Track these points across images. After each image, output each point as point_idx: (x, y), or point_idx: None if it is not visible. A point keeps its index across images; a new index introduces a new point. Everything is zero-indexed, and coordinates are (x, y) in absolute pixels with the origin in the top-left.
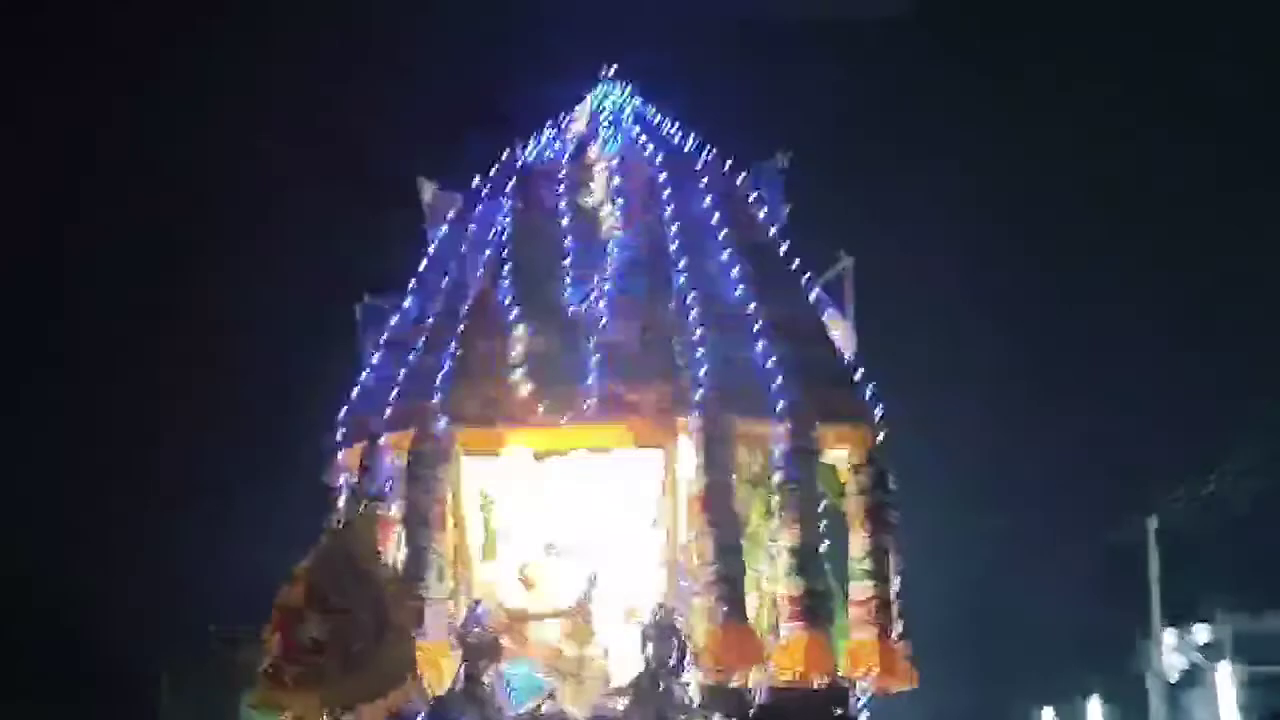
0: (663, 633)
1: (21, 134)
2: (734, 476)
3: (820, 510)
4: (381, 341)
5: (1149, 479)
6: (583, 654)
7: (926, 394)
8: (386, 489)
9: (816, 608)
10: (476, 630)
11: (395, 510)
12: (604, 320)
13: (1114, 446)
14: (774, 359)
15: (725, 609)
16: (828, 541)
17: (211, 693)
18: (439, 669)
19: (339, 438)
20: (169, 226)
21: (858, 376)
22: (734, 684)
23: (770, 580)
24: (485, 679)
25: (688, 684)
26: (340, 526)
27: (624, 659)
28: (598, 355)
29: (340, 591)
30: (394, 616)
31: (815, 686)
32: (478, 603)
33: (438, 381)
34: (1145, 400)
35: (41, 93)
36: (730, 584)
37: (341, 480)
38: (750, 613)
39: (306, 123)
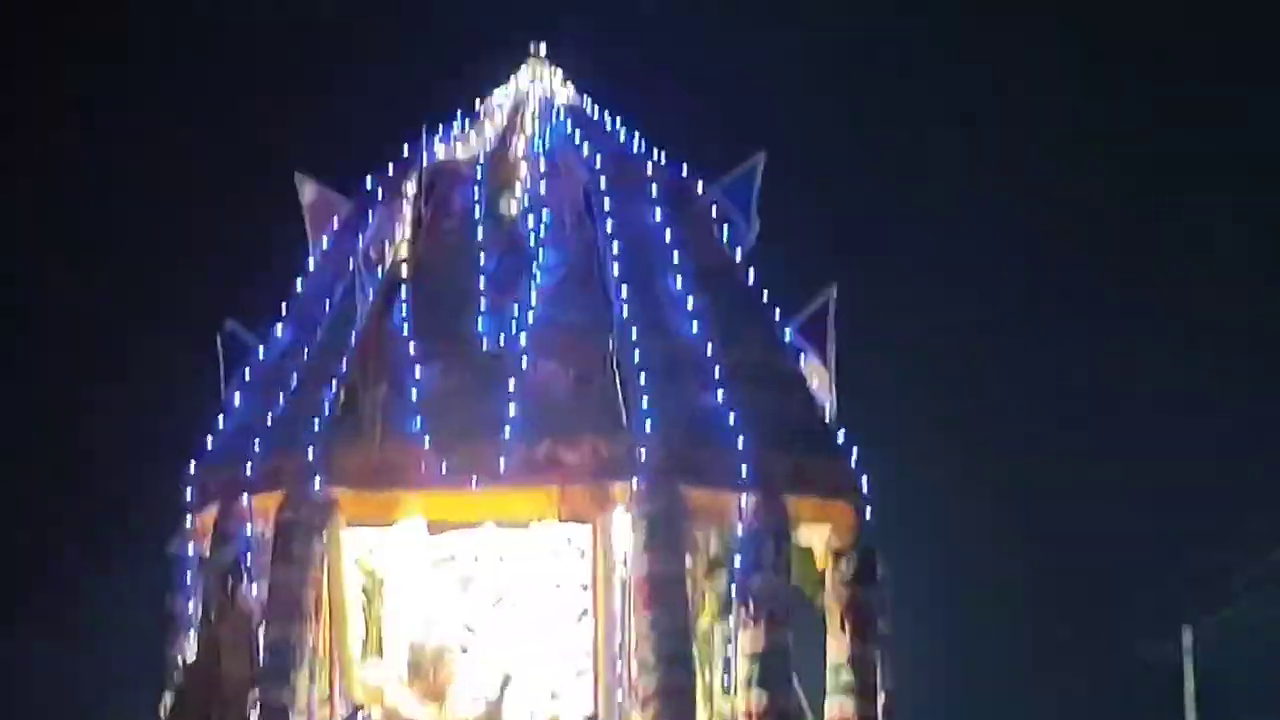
0: None
1: None
2: (684, 561)
3: (789, 607)
4: (246, 380)
5: (1185, 587)
6: None
7: (925, 461)
8: (245, 563)
9: None
10: None
11: (255, 593)
12: (526, 359)
13: (1147, 549)
14: (737, 412)
15: None
16: (797, 647)
17: None
18: None
19: (189, 497)
20: None
21: (840, 437)
22: None
23: (726, 694)
24: None
25: None
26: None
27: None
28: (518, 403)
29: None
30: None
31: None
32: (357, 711)
33: (314, 431)
34: (1184, 499)
35: None
36: (677, 698)
37: (190, 550)
38: None
39: (161, 108)
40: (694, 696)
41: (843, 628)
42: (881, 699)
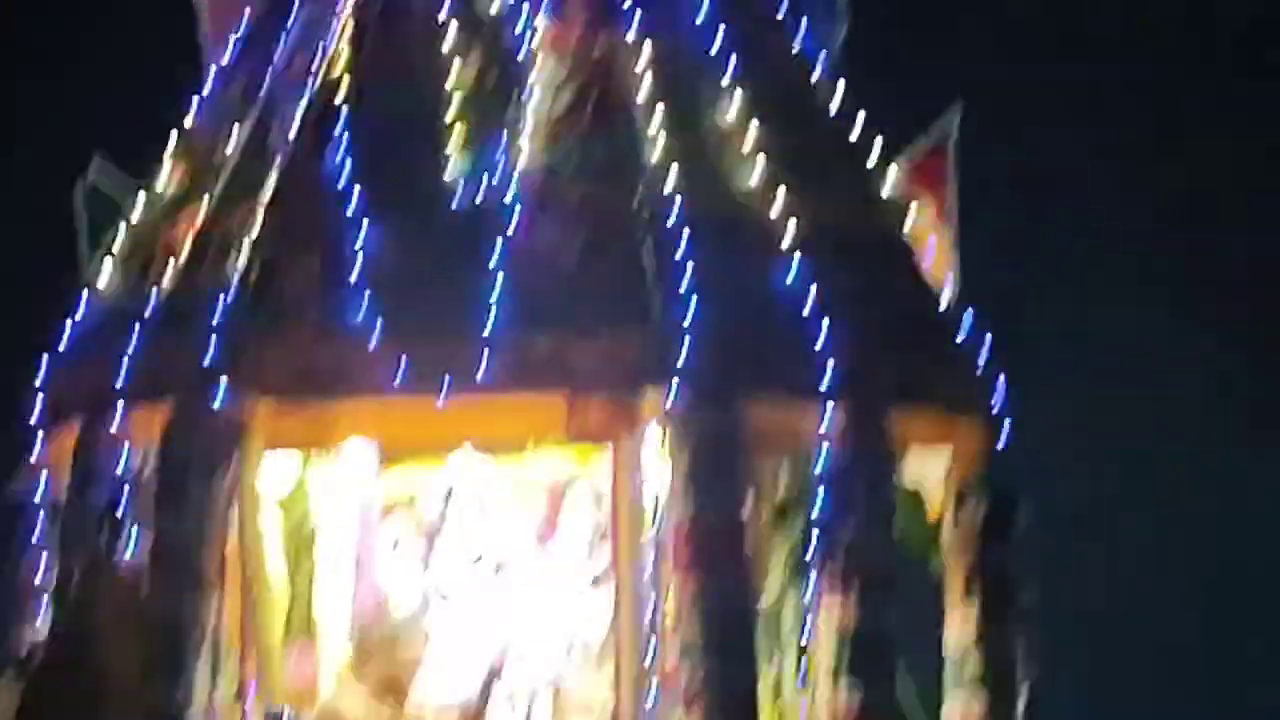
0: None
1: None
2: (743, 504)
3: (893, 569)
4: (118, 246)
5: None
6: None
7: (1087, 362)
8: (120, 507)
9: None
10: None
11: (134, 550)
12: (516, 217)
13: None
14: (817, 293)
15: None
16: (903, 625)
17: None
18: None
19: (36, 414)
20: None
21: (965, 328)
22: None
23: (801, 690)
24: None
25: None
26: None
27: None
28: (505, 280)
29: None
30: None
31: None
32: (279, 714)
33: (216, 319)
34: None
35: None
36: (731, 695)
37: (40, 489)
38: None
39: None
40: (755, 693)
41: (968, 598)
42: (1022, 696)
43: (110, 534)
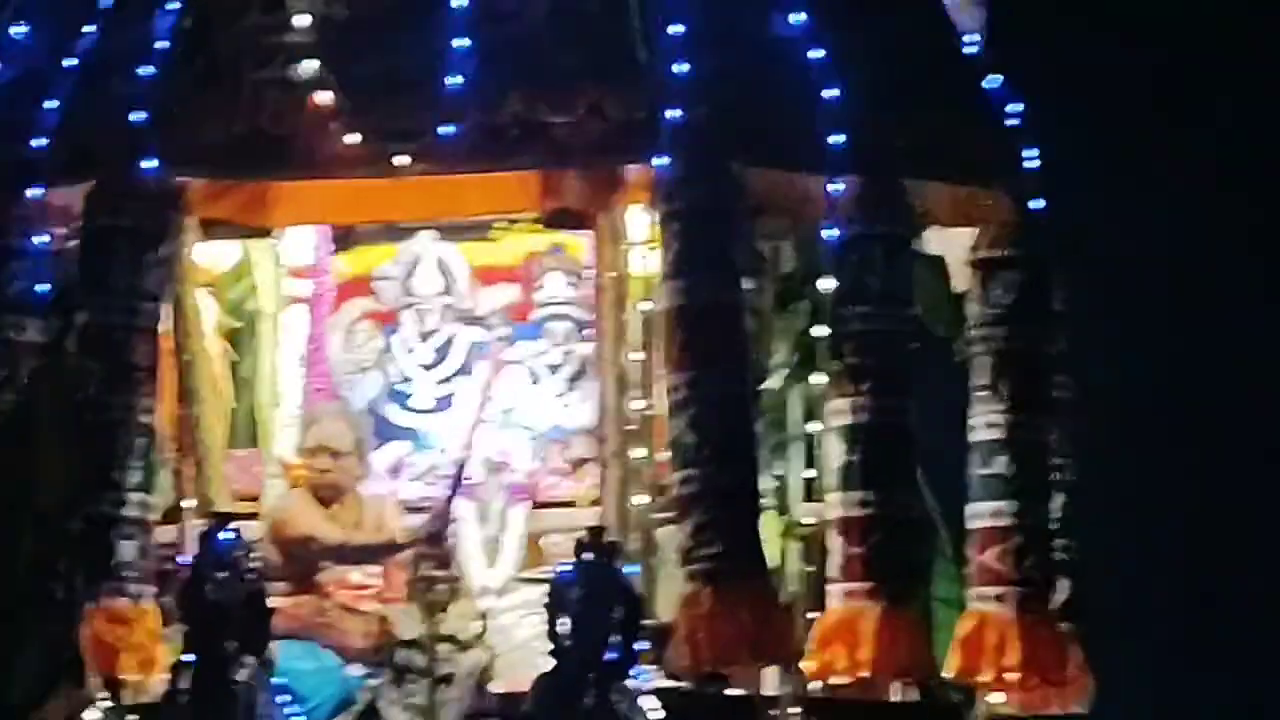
0: (594, 590)
1: None
2: (741, 285)
3: (911, 357)
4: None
5: None
6: (434, 624)
7: (1131, 122)
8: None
9: (897, 549)
10: (219, 578)
11: (59, 339)
12: None
13: None
14: (824, 43)
15: (719, 550)
16: (923, 421)
17: None
18: (145, 654)
19: None
20: None
21: (993, 84)
22: (730, 692)
23: (810, 499)
24: (237, 675)
25: (640, 692)
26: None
27: (519, 636)
28: (468, 31)
29: None
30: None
31: (893, 700)
32: (221, 523)
33: (142, 83)
34: None
35: None
36: (731, 503)
37: None
38: (769, 558)
39: None
40: (757, 497)
41: (996, 388)
42: (1058, 501)
43: (50, 321)
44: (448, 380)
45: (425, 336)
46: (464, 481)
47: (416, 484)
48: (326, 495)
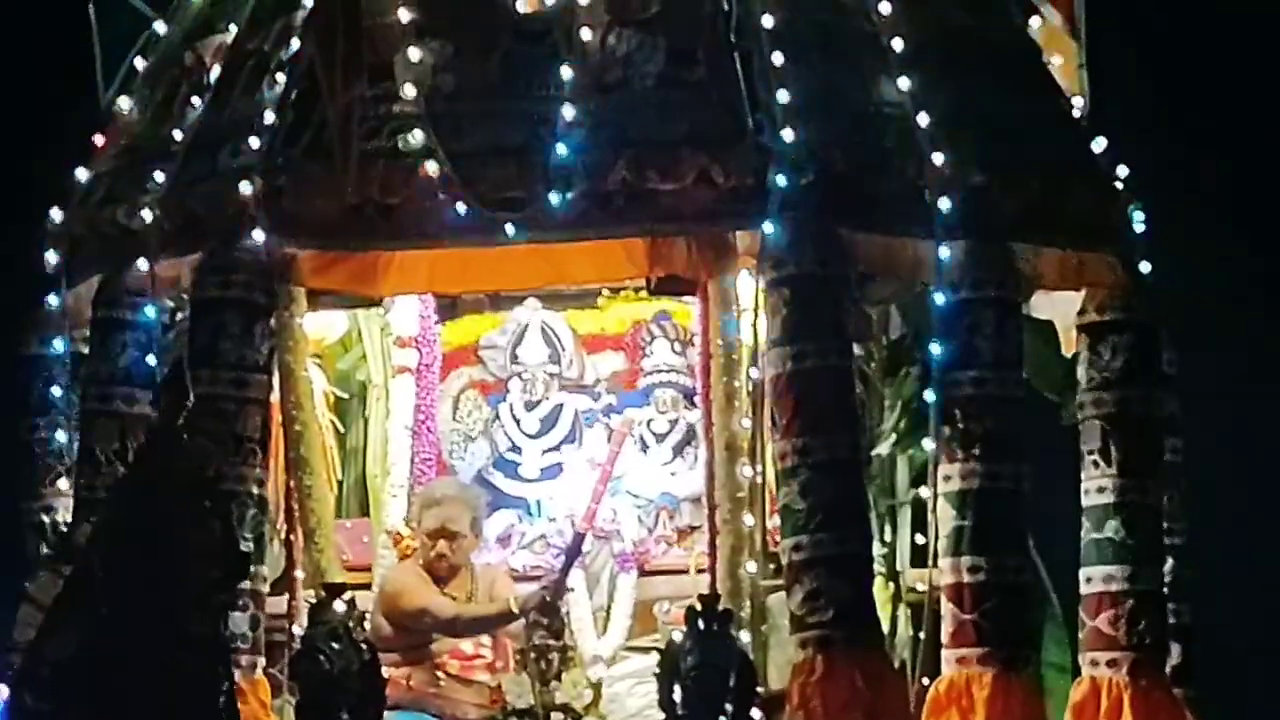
0: (708, 658)
1: None
2: (851, 351)
3: (1022, 422)
4: (139, 69)
5: None
6: (546, 693)
7: (1232, 184)
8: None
9: (1009, 614)
10: (332, 649)
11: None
12: (582, 24)
13: None
14: (930, 110)
15: (831, 616)
16: (1035, 486)
17: None
18: None
19: (52, 260)
20: None
21: (1099, 148)
22: None
23: (918, 566)
24: None
25: None
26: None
27: (631, 705)
28: (574, 99)
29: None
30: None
31: None
32: (332, 593)
33: (252, 153)
34: None
35: None
36: (842, 569)
37: (61, 347)
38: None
39: None
40: (870, 561)
41: (1106, 452)
42: (1170, 564)
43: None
44: (555, 449)
45: (531, 406)
46: (582, 553)
47: (525, 552)
48: (443, 574)
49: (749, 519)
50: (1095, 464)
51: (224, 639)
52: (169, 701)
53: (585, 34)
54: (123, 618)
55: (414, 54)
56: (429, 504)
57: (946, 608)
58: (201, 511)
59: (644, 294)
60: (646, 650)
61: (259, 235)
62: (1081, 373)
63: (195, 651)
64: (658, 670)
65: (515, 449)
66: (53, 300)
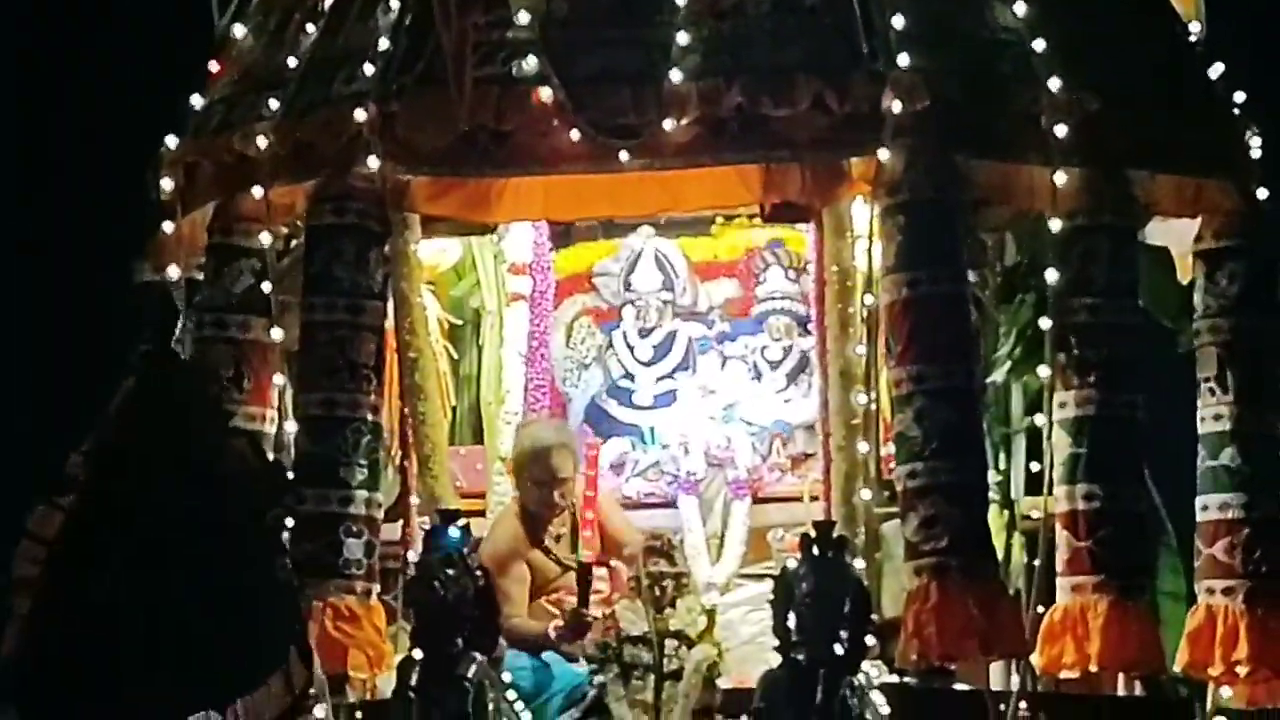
0: (822, 585)
1: None
2: (966, 277)
3: (1140, 351)
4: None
5: None
6: (660, 620)
7: None
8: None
9: (1124, 542)
10: (447, 575)
11: (273, 336)
12: None
13: None
14: (1046, 39)
15: (946, 544)
16: (1152, 416)
17: None
18: (373, 651)
19: (167, 187)
20: None
21: (1216, 74)
22: (958, 687)
23: (1034, 494)
24: (465, 672)
25: (869, 687)
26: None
27: (745, 632)
28: (686, 24)
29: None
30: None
31: (1121, 695)
32: (448, 520)
33: (368, 78)
34: None
35: None
36: (956, 495)
37: (175, 274)
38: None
39: None
40: (985, 489)
41: (1223, 379)
42: None
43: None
44: (669, 376)
45: (645, 333)
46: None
47: (639, 480)
48: (546, 517)
49: (863, 446)
50: (1211, 391)
51: (284, 563)
52: (241, 625)
53: None
54: (161, 552)
55: None
56: (535, 456)
57: (1061, 535)
58: (229, 435)
59: (758, 221)
60: (760, 577)
61: (373, 162)
62: (1198, 300)
63: (258, 575)
64: (772, 597)
65: (629, 376)
66: (167, 227)
